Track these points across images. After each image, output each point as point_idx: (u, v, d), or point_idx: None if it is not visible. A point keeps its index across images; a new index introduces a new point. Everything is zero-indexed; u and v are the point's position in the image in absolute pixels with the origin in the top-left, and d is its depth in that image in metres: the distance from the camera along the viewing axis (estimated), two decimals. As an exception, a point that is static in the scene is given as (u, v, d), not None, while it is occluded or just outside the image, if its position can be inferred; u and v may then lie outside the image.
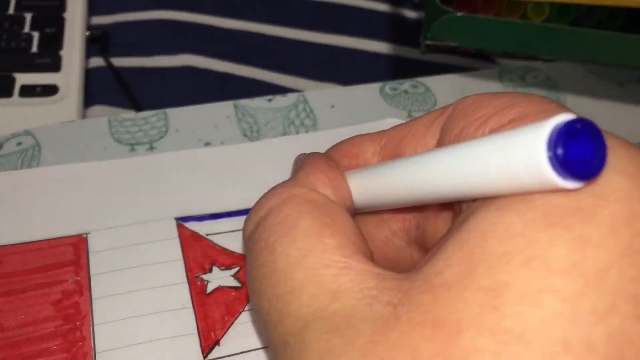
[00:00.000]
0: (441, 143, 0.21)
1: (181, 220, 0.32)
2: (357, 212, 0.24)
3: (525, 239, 0.15)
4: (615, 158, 0.15)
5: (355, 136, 0.25)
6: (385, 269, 0.18)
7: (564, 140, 0.14)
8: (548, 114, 0.17)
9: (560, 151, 0.14)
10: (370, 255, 0.20)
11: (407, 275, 0.17)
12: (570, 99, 0.41)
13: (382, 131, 0.24)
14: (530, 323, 0.14)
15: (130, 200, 0.32)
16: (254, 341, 0.28)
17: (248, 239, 0.21)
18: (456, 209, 0.20)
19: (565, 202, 0.15)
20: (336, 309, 0.17)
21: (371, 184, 0.22)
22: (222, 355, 0.27)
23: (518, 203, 0.16)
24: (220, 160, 0.35)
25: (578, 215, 0.15)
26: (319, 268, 0.18)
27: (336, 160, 0.24)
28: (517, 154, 0.15)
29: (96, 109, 0.41)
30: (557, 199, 0.15)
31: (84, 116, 0.40)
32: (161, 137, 0.36)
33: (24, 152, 0.34)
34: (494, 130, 0.18)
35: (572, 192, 0.15)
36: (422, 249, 0.24)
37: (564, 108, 0.18)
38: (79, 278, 0.29)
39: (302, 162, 0.24)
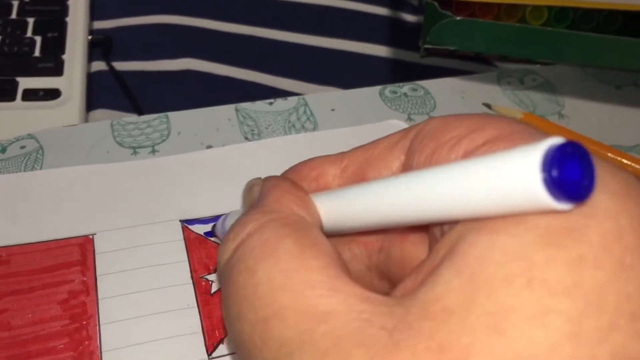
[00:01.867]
0: (408, 165, 0.21)
1: (186, 222, 0.32)
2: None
3: (523, 261, 0.15)
4: (599, 177, 0.15)
5: (314, 158, 0.24)
6: None
7: (558, 163, 0.14)
8: (519, 136, 0.17)
9: (555, 173, 0.14)
10: (352, 277, 0.19)
11: (399, 301, 0.16)
12: (568, 101, 0.42)
13: (342, 153, 0.24)
14: (538, 345, 0.14)
15: (136, 202, 0.32)
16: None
17: (225, 265, 0.20)
18: (434, 231, 0.20)
19: (557, 223, 0.15)
20: (324, 331, 0.16)
21: (340, 209, 0.21)
22: (226, 353, 0.27)
23: (511, 226, 0.16)
24: (224, 162, 0.35)
25: (571, 235, 0.15)
26: (304, 289, 0.17)
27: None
28: (510, 175, 0.15)
29: (98, 113, 0.41)
30: (549, 220, 0.15)
31: (86, 120, 0.40)
32: (163, 141, 0.36)
33: (27, 156, 0.35)
34: (468, 152, 0.18)
35: (562, 213, 0.15)
36: (382, 274, 0.24)
37: (533, 129, 0.18)
38: (85, 278, 0.29)
39: (265, 187, 0.23)
